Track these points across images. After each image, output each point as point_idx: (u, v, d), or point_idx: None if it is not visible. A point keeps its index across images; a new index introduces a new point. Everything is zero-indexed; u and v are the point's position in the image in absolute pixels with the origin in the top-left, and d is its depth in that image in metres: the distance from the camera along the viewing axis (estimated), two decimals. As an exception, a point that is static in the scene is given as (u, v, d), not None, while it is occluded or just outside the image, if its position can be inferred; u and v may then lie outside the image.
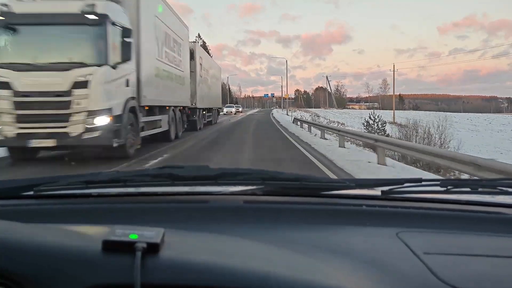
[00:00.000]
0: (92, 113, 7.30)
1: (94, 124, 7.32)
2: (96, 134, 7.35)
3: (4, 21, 7.32)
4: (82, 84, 7.25)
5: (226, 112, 48.44)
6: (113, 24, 7.70)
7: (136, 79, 8.94)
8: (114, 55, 7.73)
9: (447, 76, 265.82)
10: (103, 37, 7.46)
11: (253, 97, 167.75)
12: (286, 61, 53.78)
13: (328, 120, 32.74)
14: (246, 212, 1.06)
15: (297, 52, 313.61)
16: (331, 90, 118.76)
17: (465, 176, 5.75)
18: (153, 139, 10.91)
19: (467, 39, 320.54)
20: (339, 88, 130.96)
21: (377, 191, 1.13)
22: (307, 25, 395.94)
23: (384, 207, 1.09)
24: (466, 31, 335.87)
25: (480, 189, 1.12)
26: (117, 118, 7.67)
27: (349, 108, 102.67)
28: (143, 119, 9.48)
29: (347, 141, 12.79)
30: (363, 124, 26.82)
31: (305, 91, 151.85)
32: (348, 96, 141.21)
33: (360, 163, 8.21)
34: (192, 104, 16.54)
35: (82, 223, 0.84)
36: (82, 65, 7.33)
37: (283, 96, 61.14)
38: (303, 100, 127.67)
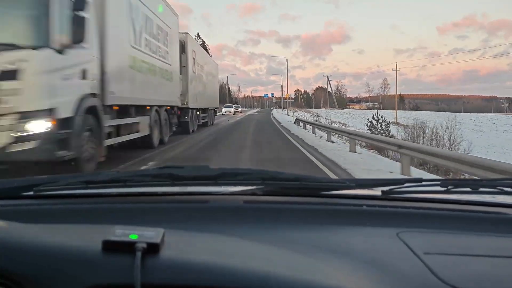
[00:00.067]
0: (24, 116, 5.09)
1: (26, 131, 5.12)
2: (29, 145, 5.12)
3: None
4: (11, 75, 5.05)
5: (225, 112, 48.18)
6: None
7: (100, 70, 6.82)
8: (61, 35, 5.54)
9: (447, 76, 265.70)
10: (43, 8, 5.33)
11: (253, 97, 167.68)
12: (287, 60, 53.58)
13: (329, 121, 32.60)
14: (246, 212, 1.06)
15: (296, 52, 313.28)
16: (331, 90, 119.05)
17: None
18: (131, 146, 9.01)
19: (467, 39, 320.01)
20: (339, 88, 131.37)
21: (377, 191, 1.13)
22: (307, 25, 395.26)
23: (384, 207, 1.09)
24: (465, 31, 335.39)
25: (480, 189, 1.12)
26: (64, 122, 5.49)
27: (350, 108, 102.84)
28: (109, 122, 7.33)
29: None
30: (366, 124, 26.33)
31: (305, 91, 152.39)
32: (348, 96, 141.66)
33: (380, 173, 7.15)
34: (183, 104, 14.47)
35: (82, 223, 0.85)
36: (11, 47, 5.13)
37: (284, 96, 61.07)
38: (303, 100, 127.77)
